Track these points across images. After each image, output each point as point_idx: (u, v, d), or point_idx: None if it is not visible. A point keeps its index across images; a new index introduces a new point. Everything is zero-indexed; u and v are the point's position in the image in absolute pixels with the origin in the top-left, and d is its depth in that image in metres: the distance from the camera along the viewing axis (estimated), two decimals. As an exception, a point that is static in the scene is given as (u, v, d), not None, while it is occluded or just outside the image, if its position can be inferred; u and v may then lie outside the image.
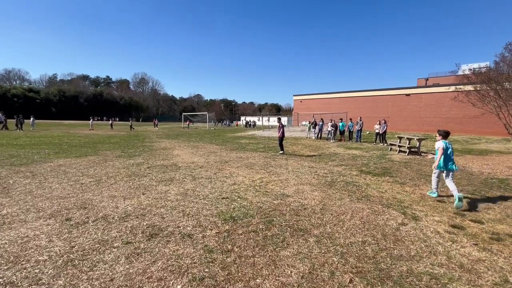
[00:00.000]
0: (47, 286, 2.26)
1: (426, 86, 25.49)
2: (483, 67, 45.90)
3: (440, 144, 5.04)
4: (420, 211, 4.44)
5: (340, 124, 17.37)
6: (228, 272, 2.51)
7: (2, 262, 2.61)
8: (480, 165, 9.00)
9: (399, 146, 12.21)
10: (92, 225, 3.51)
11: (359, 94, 28.48)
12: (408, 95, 24.07)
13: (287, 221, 3.82)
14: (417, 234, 3.49)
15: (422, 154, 11.53)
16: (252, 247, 3.02)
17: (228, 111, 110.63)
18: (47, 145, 12.72)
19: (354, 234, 3.43)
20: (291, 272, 2.55)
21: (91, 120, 29.89)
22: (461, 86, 10.32)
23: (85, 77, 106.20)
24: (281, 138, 11.15)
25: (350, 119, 18.29)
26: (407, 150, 11.47)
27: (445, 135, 5.13)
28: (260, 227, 3.59)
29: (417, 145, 11.67)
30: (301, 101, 34.21)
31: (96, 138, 18.06)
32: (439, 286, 2.40)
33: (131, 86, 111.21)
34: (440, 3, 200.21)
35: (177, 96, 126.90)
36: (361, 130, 17.14)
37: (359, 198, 5.04)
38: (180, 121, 53.24)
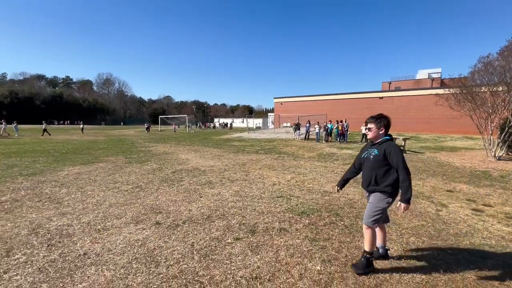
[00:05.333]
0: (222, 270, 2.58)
1: (398, 90, 28.29)
2: (437, 72, 51.15)
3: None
4: (442, 199, 5.36)
5: (330, 125, 18.62)
6: (345, 254, 3.05)
7: (143, 262, 2.84)
8: (459, 160, 10.54)
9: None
10: (187, 227, 3.78)
11: (336, 97, 30.46)
12: (381, 98, 26.43)
13: (349, 212, 4.45)
14: (455, 218, 4.33)
15: (408, 152, 13.02)
16: (343, 234, 3.58)
17: (201, 113, 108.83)
18: (34, 153, 11.87)
19: (411, 220, 4.16)
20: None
21: (3, 125, 22.95)
22: (441, 91, 11.93)
23: (40, 77, 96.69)
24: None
25: (330, 121, 19.82)
26: (394, 149, 12.88)
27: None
28: (333, 219, 4.16)
29: (403, 144, 13.15)
30: (281, 104, 35.41)
31: (77, 144, 17.05)
32: (499, 252, 3.19)
33: (94, 87, 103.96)
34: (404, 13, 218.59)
35: (146, 98, 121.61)
36: (347, 131, 18.54)
37: (389, 192, 5.83)
38: (152, 124, 51.32)
